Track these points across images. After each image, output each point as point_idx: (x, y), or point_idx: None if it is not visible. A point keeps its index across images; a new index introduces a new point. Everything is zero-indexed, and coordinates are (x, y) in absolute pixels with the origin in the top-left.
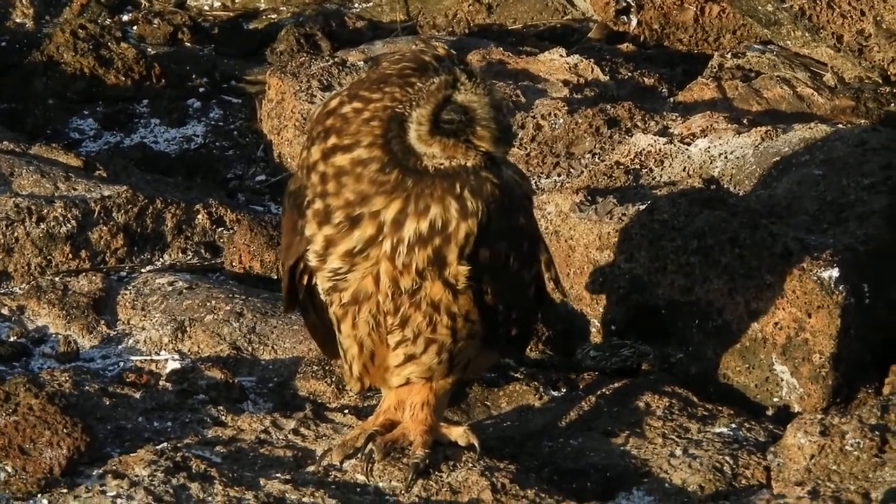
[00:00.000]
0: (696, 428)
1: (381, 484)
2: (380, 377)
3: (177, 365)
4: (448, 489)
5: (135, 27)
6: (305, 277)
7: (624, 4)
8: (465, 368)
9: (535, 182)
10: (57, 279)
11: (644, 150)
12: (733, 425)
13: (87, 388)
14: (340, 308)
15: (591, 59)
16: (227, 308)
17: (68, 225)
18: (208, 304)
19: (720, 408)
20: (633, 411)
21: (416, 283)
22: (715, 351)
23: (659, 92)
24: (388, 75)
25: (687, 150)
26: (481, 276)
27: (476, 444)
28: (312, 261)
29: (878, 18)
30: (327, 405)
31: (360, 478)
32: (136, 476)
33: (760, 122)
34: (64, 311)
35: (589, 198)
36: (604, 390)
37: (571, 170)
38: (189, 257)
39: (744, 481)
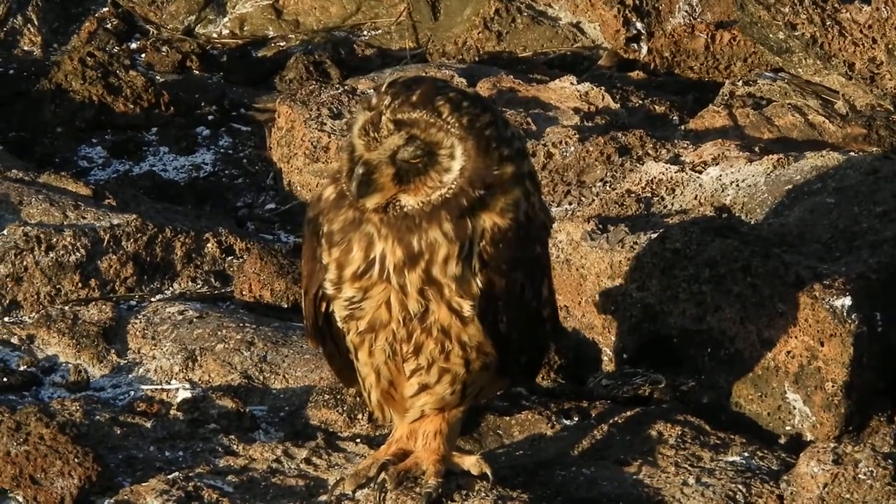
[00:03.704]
0: (708, 456)
1: None
2: (401, 407)
3: (188, 394)
4: None
5: (143, 55)
6: (323, 305)
7: (634, 32)
8: (477, 396)
9: None
10: (67, 308)
11: (655, 178)
12: (746, 454)
13: (97, 417)
14: (357, 336)
15: (602, 87)
16: (238, 337)
17: (77, 254)
18: (219, 333)
19: (732, 436)
20: (645, 440)
21: (422, 304)
22: (727, 379)
23: (670, 120)
24: None
25: (698, 178)
26: (496, 306)
27: (488, 473)
28: (329, 289)
29: (890, 46)
30: (339, 434)
31: None
32: None
33: (772, 150)
34: (74, 341)
35: (600, 226)
36: (616, 419)
37: (582, 198)
38: (199, 286)
39: None
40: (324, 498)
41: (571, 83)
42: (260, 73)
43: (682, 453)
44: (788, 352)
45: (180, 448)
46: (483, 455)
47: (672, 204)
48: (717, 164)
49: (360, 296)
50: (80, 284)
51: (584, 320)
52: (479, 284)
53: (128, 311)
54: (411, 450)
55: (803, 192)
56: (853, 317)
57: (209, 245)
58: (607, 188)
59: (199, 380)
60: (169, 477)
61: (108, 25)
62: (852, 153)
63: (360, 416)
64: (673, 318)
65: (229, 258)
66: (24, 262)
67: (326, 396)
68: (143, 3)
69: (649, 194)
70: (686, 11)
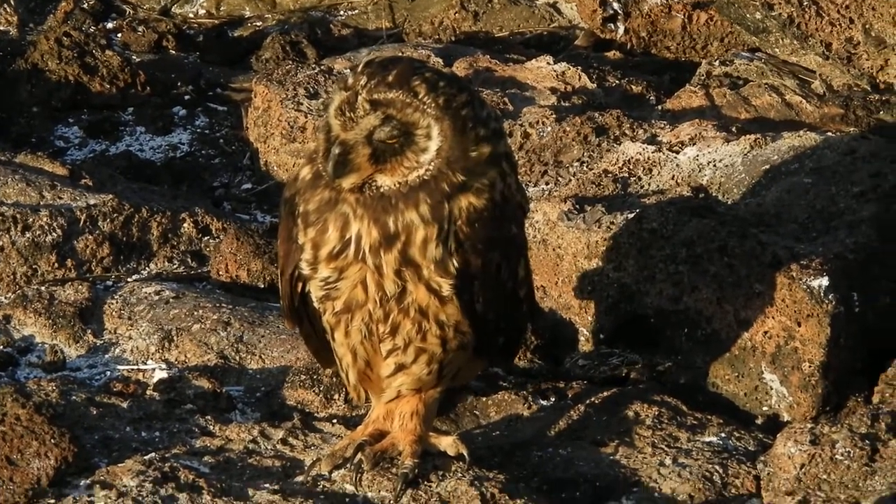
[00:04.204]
0: (685, 437)
1: (369, 494)
2: (377, 387)
3: (164, 374)
4: (437, 499)
5: (119, 35)
6: (300, 285)
7: (611, 12)
8: (454, 378)
9: None
10: (43, 288)
11: (632, 158)
12: (723, 434)
13: (74, 397)
14: (333, 316)
15: (579, 67)
16: (215, 317)
17: (54, 234)
18: (195, 313)
19: (709, 417)
20: (622, 420)
21: (398, 285)
22: (704, 360)
23: (647, 100)
24: None
25: (675, 158)
26: (472, 285)
27: (465, 454)
28: (305, 269)
29: (867, 26)
30: (315, 415)
31: (349, 488)
32: (124, 486)
33: (749, 130)
34: (50, 321)
35: (577, 206)
36: (593, 399)
37: (559, 178)
38: (175, 266)
39: (734, 490)
40: (300, 478)
41: (548, 63)
42: (236, 52)
43: (659, 434)
44: (765, 332)
45: (157, 428)
46: (460, 436)
47: (649, 184)
48: (693, 145)
49: (335, 276)
50: (56, 265)
51: (560, 300)
52: (455, 264)
53: (104, 291)
54: (388, 430)
55: (780, 172)
56: (830, 297)
57: (185, 225)
58: (584, 168)
59: (176, 360)
60: (145, 458)
61: (85, 5)
62: (829, 133)
63: (336, 396)
64: (650, 299)
65: (206, 238)
66: (0, 243)
67: (303, 377)
68: None
69: (626, 174)
70: None
